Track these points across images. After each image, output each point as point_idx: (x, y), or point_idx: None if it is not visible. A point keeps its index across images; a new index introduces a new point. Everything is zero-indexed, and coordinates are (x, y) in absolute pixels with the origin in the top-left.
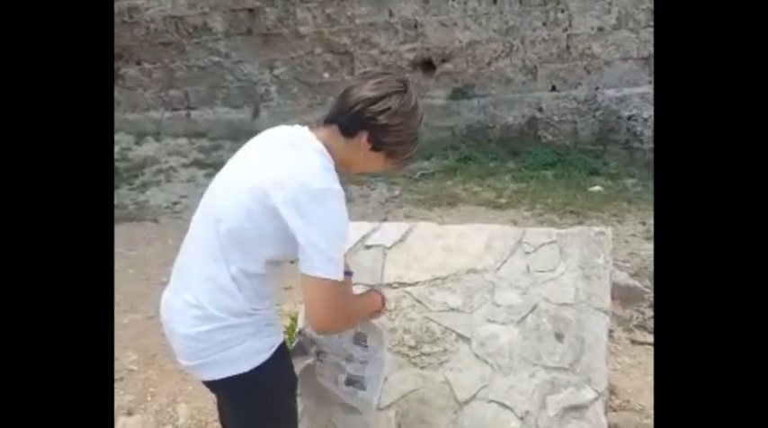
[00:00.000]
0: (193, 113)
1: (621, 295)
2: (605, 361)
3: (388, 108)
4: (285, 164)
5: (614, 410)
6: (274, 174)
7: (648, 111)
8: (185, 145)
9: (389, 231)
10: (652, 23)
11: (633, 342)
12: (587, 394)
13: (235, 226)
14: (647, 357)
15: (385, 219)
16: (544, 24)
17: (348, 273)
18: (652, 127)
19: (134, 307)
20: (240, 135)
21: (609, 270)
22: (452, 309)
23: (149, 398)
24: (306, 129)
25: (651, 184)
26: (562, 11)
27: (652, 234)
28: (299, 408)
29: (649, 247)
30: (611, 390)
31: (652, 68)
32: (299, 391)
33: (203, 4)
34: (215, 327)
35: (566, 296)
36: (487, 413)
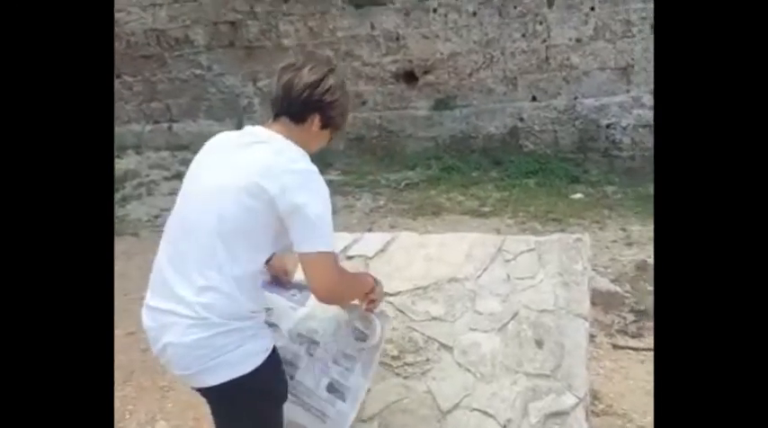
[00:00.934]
0: (175, 126)
1: (603, 300)
2: (585, 366)
3: (330, 86)
4: (265, 157)
5: (597, 415)
6: (260, 168)
7: (627, 120)
8: (167, 158)
9: (371, 241)
10: (628, 34)
11: (615, 346)
12: (568, 400)
13: (239, 225)
14: (628, 361)
15: (370, 229)
16: (523, 36)
17: None
18: (630, 135)
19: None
20: None
21: (587, 276)
22: (434, 318)
23: (128, 416)
24: (260, 127)
25: (631, 191)
26: (540, 22)
27: (632, 240)
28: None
29: (630, 253)
30: (594, 395)
31: (629, 78)
32: None
33: (184, 17)
34: (214, 333)
35: (545, 302)
36: (470, 421)
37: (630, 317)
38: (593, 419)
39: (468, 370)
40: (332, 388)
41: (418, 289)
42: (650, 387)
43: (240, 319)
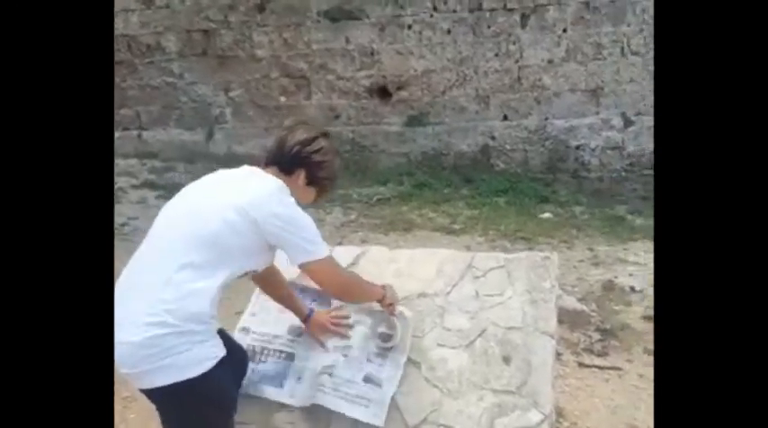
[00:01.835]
0: (145, 134)
1: (569, 319)
2: (551, 384)
3: (321, 147)
4: (254, 185)
5: None
6: (249, 194)
7: (596, 141)
8: (136, 165)
9: (341, 255)
10: (599, 56)
11: (581, 365)
12: (534, 416)
13: (220, 240)
14: (594, 380)
15: (340, 243)
16: (496, 55)
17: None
18: (599, 156)
19: None
20: (194, 157)
21: (555, 294)
22: None
23: None
24: (254, 167)
25: (598, 212)
26: (514, 43)
27: (599, 260)
28: None
29: (597, 273)
30: (559, 413)
31: (599, 100)
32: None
33: (156, 24)
34: (164, 333)
35: (513, 320)
36: None
37: (596, 336)
38: None
39: (436, 386)
40: (368, 379)
41: None
42: (615, 404)
43: (195, 322)
